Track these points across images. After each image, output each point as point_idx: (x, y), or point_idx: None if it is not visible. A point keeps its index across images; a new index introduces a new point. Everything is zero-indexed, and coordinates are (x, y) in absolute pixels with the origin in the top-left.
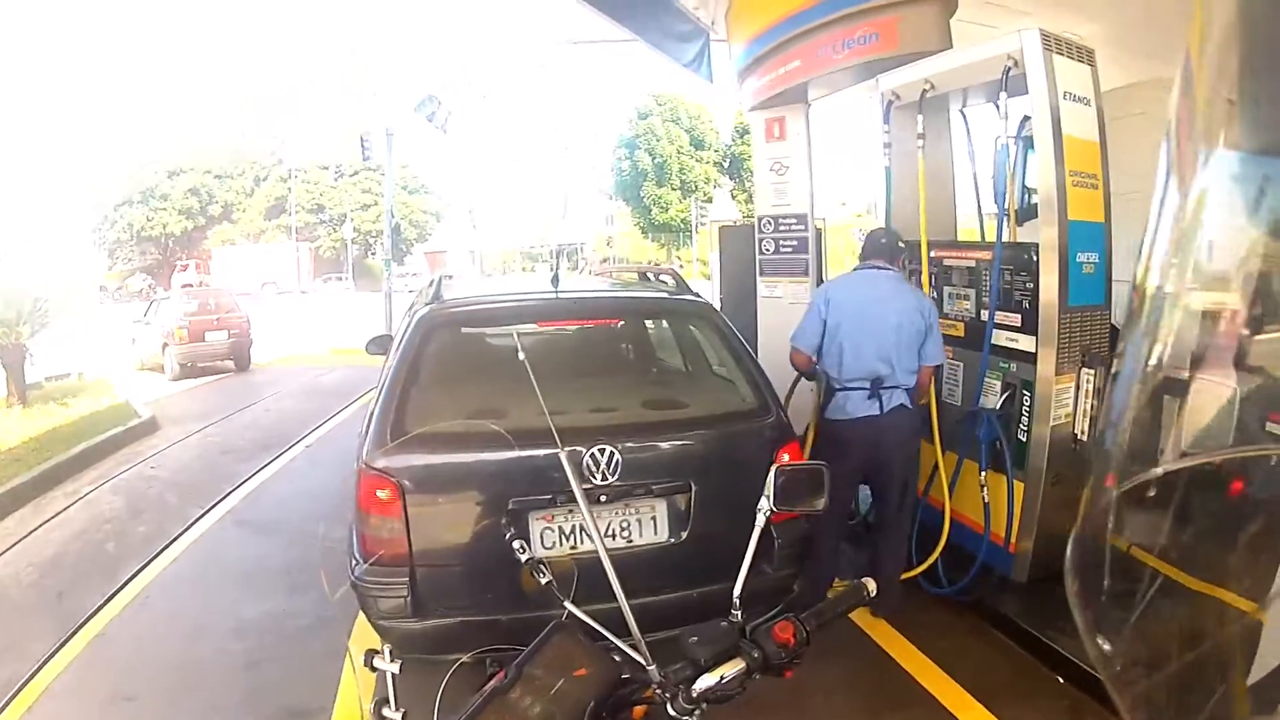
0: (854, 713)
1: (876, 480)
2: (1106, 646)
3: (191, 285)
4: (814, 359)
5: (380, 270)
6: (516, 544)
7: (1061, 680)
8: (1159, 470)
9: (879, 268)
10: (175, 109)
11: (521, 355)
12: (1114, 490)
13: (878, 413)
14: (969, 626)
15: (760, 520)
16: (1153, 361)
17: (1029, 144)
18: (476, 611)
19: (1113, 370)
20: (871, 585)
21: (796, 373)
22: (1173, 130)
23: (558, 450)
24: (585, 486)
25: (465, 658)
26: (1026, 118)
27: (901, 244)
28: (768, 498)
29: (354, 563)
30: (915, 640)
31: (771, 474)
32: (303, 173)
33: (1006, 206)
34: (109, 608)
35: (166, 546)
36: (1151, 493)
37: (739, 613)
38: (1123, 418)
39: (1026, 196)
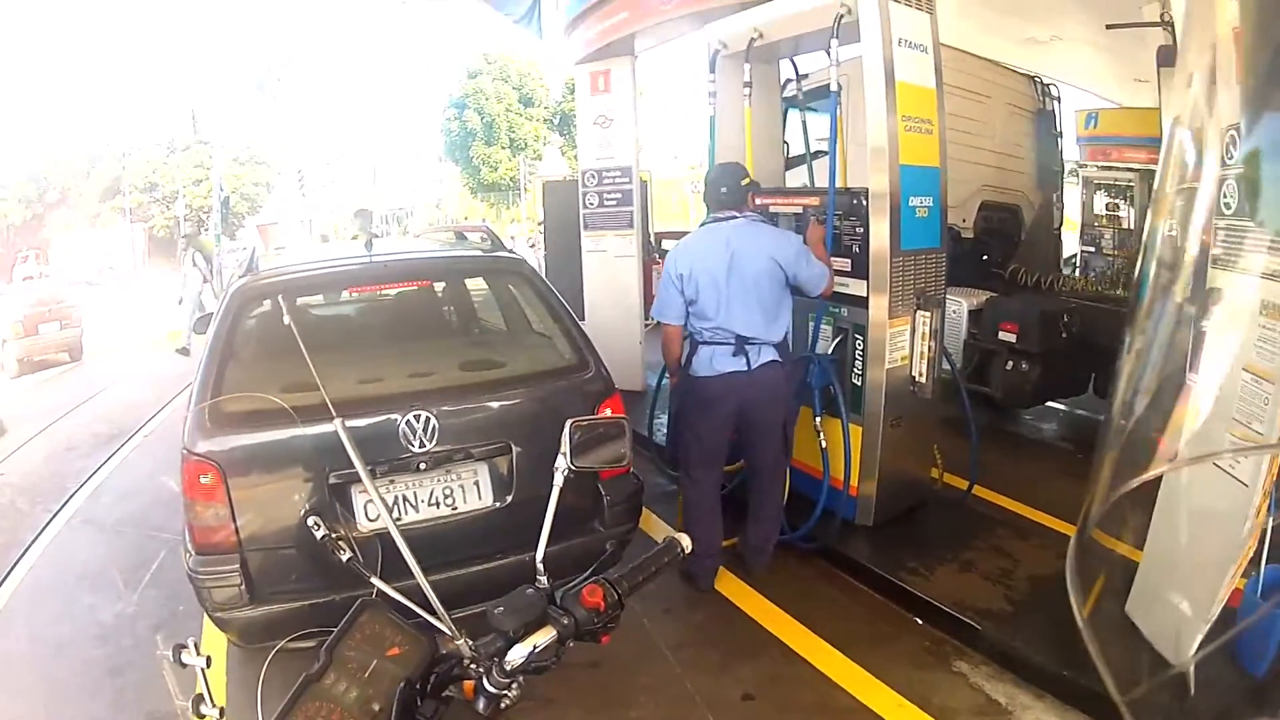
0: (704, 664)
1: (747, 439)
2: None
3: (33, 277)
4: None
5: (213, 247)
6: (311, 521)
7: (920, 621)
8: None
9: (726, 219)
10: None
11: (287, 319)
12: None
13: (745, 368)
14: (817, 573)
15: (558, 480)
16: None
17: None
18: (314, 593)
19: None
20: (686, 541)
21: (669, 356)
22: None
23: (334, 422)
24: (403, 455)
25: (282, 643)
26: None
27: (746, 181)
28: (564, 455)
29: (187, 554)
30: (763, 590)
31: (567, 430)
32: (137, 150)
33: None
34: None
35: (21, 556)
36: None
37: (544, 579)
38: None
39: None
